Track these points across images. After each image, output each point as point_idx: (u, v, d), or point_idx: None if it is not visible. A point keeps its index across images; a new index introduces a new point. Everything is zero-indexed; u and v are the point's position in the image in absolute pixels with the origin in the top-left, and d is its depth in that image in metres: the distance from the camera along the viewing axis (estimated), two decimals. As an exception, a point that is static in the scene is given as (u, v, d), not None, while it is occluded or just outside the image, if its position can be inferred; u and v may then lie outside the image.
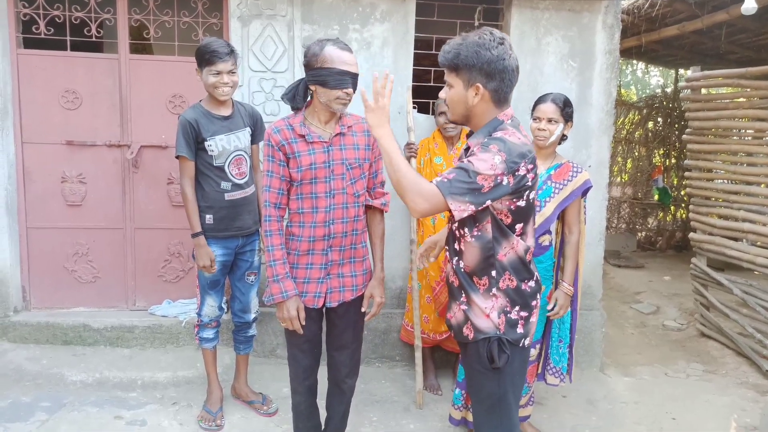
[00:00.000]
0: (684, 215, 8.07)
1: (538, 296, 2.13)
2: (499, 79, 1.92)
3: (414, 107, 3.89)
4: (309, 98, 2.38)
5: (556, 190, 2.94)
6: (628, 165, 8.46)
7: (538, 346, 3.11)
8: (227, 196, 3.01)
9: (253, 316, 3.26)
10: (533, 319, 2.10)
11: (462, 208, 1.84)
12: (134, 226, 3.93)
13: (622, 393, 3.83)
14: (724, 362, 4.44)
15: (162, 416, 3.19)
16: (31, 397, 3.27)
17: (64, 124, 3.81)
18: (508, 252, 2.02)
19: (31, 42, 3.82)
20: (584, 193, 3.00)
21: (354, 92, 2.29)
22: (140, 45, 4.01)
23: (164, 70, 3.81)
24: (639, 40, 5.81)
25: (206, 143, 2.94)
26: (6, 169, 3.70)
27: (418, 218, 2.17)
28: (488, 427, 2.12)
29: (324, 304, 2.45)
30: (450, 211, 1.83)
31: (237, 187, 3.04)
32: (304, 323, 2.39)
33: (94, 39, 3.75)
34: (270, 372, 3.71)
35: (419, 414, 3.37)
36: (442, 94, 2.06)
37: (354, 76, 2.27)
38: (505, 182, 1.86)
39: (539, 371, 3.17)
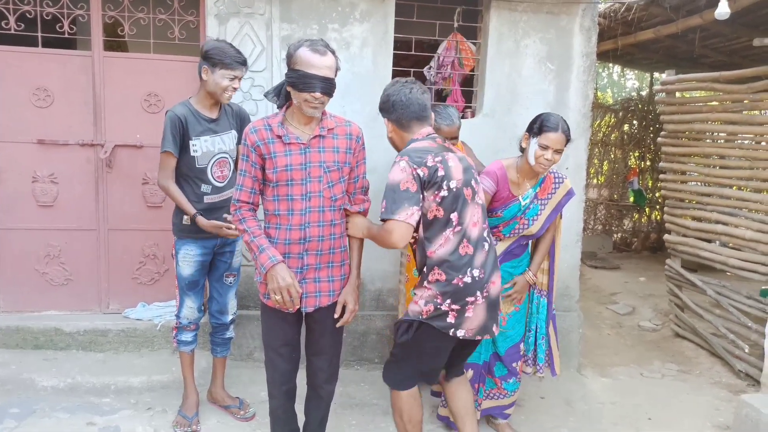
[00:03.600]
0: (659, 217, 8.19)
1: (479, 293, 2.39)
2: (393, 110, 2.46)
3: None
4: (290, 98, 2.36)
5: (542, 207, 2.98)
6: (605, 167, 8.56)
7: (522, 346, 3.15)
8: (206, 199, 2.97)
9: (230, 317, 3.22)
10: (469, 314, 2.39)
11: (410, 214, 2.25)
12: (108, 227, 3.85)
13: (599, 393, 3.86)
14: (699, 362, 4.51)
15: (136, 422, 3.12)
16: (1, 403, 3.18)
17: (36, 122, 3.71)
18: (437, 249, 2.36)
19: (0, 38, 3.72)
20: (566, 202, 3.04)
21: (327, 96, 2.26)
22: (115, 42, 3.92)
23: (139, 68, 3.74)
24: (615, 44, 5.88)
25: (191, 142, 2.89)
26: (-26, 169, 3.60)
27: (402, 247, 2.42)
28: (388, 367, 2.63)
29: (299, 309, 2.42)
30: (406, 223, 2.25)
31: (216, 190, 3.00)
32: (300, 291, 2.35)
33: (66, 36, 3.66)
34: (248, 375, 3.66)
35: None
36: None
37: (323, 80, 2.22)
38: (420, 173, 2.28)
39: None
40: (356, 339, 3.95)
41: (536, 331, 3.19)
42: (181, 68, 3.73)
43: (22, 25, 3.63)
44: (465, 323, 2.39)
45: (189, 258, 2.99)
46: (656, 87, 4.99)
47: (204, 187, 2.96)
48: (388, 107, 2.47)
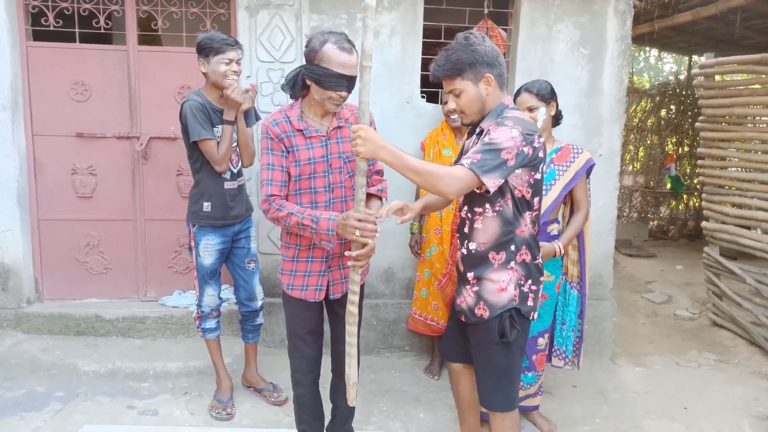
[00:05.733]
0: (697, 204, 7.99)
1: (543, 273, 2.32)
2: (498, 65, 2.17)
3: (423, 96, 3.87)
4: (306, 89, 2.33)
5: (560, 173, 2.95)
6: (640, 153, 8.38)
7: (546, 335, 3.11)
8: (226, 185, 3.05)
9: (259, 303, 3.29)
10: (539, 294, 2.29)
11: (495, 183, 2.02)
12: (144, 217, 3.95)
13: (632, 383, 3.81)
14: (737, 352, 4.40)
15: (173, 406, 3.22)
16: (46, 387, 3.32)
17: (74, 116, 3.82)
18: (525, 228, 2.22)
19: (40, 34, 3.83)
20: (588, 172, 3.00)
21: (349, 93, 2.23)
22: (148, 36, 4.00)
23: (172, 62, 3.81)
24: (652, 27, 5.73)
25: (214, 129, 2.95)
26: (17, 162, 3.73)
27: (453, 199, 2.26)
28: (497, 396, 2.28)
29: (326, 297, 2.44)
30: (483, 187, 2.02)
31: (233, 176, 3.08)
32: (379, 215, 2.20)
33: (102, 31, 3.75)
34: (280, 362, 3.70)
35: (429, 404, 3.37)
36: (450, 105, 2.27)
37: (350, 79, 2.20)
38: (525, 151, 2.07)
39: (547, 357, 3.18)
40: (386, 327, 3.98)
41: (565, 324, 3.16)
42: (213, 60, 3.79)
43: (61, 22, 3.73)
44: (537, 306, 2.28)
45: (210, 248, 3.07)
46: (694, 71, 4.84)
47: (226, 173, 3.03)
48: (492, 60, 2.13)
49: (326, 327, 2.60)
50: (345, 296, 2.42)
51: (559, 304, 3.13)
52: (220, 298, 3.21)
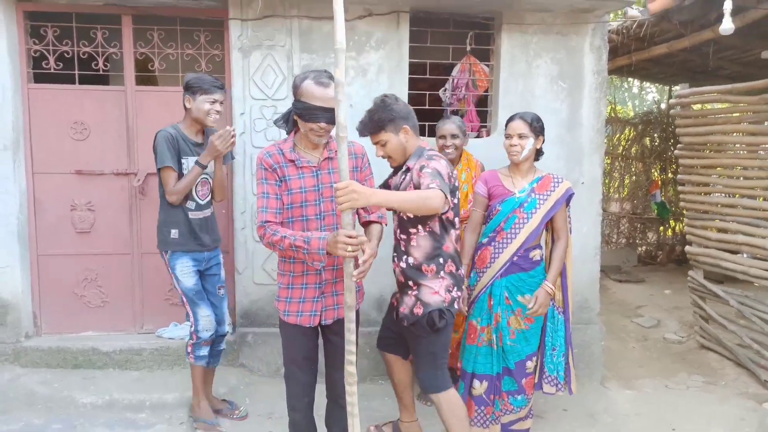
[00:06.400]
0: (682, 229, 8.13)
1: (466, 281, 2.97)
2: (411, 117, 2.75)
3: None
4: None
5: (541, 201, 3.08)
6: (627, 181, 8.55)
7: (534, 359, 3.19)
8: (190, 215, 3.20)
9: (227, 329, 3.43)
10: (462, 297, 2.89)
11: (453, 201, 2.66)
12: (141, 251, 4.04)
13: (623, 405, 3.88)
14: (724, 373, 4.48)
15: (170, 436, 3.26)
16: (43, 420, 3.35)
17: (74, 154, 3.95)
18: (449, 244, 2.76)
19: (41, 77, 3.98)
20: (567, 201, 3.13)
21: (332, 125, 2.34)
22: (146, 77, 4.16)
23: (169, 101, 3.95)
24: (630, 59, 5.95)
25: (182, 160, 3.13)
26: (18, 199, 3.83)
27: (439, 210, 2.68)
28: (429, 375, 2.81)
29: (320, 322, 2.54)
30: (448, 203, 2.53)
31: (199, 207, 3.23)
32: (358, 236, 2.29)
33: (101, 72, 3.91)
34: (277, 392, 3.75)
35: (423, 429, 3.41)
36: (378, 154, 2.79)
37: (326, 111, 2.33)
38: (451, 180, 2.66)
39: (536, 381, 3.25)
40: (378, 354, 4.03)
41: (555, 350, 3.23)
42: (208, 99, 3.93)
43: (61, 65, 3.88)
44: (461, 305, 2.86)
45: (187, 269, 3.20)
46: (672, 100, 5.04)
47: (189, 203, 3.19)
48: (407, 114, 2.73)
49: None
50: (337, 322, 2.52)
51: (548, 330, 3.21)
52: (216, 322, 3.29)
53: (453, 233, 2.77)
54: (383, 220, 2.65)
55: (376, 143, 2.78)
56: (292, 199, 2.44)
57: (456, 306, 2.78)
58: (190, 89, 3.11)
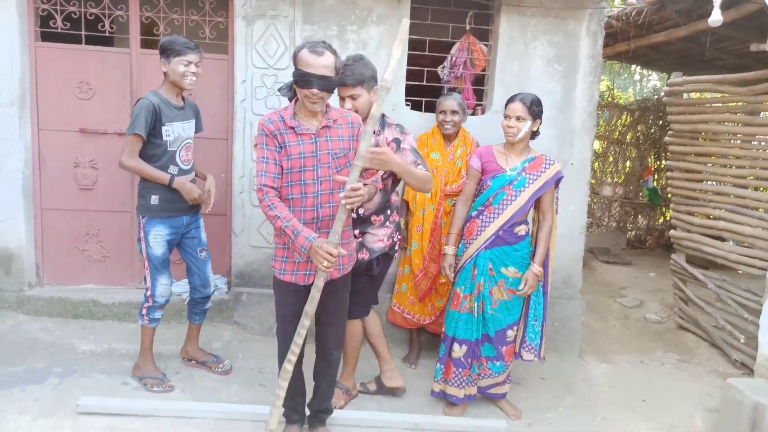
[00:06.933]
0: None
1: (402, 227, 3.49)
2: (376, 80, 2.94)
3: (407, 104, 4.13)
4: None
5: (530, 181, 3.20)
6: (623, 165, 8.65)
7: (515, 328, 3.35)
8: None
9: (212, 290, 3.54)
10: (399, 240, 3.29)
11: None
12: (142, 210, 4.16)
13: (598, 378, 4.05)
14: (699, 353, 4.67)
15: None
16: (45, 364, 3.51)
17: (78, 112, 4.05)
18: (395, 197, 3.17)
19: (48, 36, 4.06)
20: (556, 183, 3.26)
21: (326, 92, 2.48)
22: (150, 41, 4.24)
23: (173, 65, 4.04)
24: (629, 46, 6.02)
25: (164, 128, 3.17)
26: (23, 155, 3.95)
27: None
28: (359, 309, 3.18)
29: (313, 282, 2.68)
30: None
31: (183, 172, 3.29)
32: (344, 251, 2.59)
33: (107, 34, 3.99)
34: (270, 349, 3.88)
35: (408, 392, 3.55)
36: (346, 106, 2.92)
37: (319, 78, 2.43)
38: None
39: (517, 350, 3.42)
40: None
41: (537, 321, 3.39)
42: (211, 65, 4.01)
43: (68, 25, 3.96)
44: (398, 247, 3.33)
45: (159, 238, 3.26)
46: (664, 88, 5.13)
47: (172, 169, 3.24)
48: (377, 76, 2.98)
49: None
50: (328, 283, 2.63)
51: (532, 302, 3.36)
52: (171, 287, 3.38)
53: (397, 188, 3.18)
54: (379, 184, 2.84)
55: (348, 96, 2.92)
56: (291, 165, 2.56)
57: (395, 248, 3.22)
58: (164, 52, 3.13)
